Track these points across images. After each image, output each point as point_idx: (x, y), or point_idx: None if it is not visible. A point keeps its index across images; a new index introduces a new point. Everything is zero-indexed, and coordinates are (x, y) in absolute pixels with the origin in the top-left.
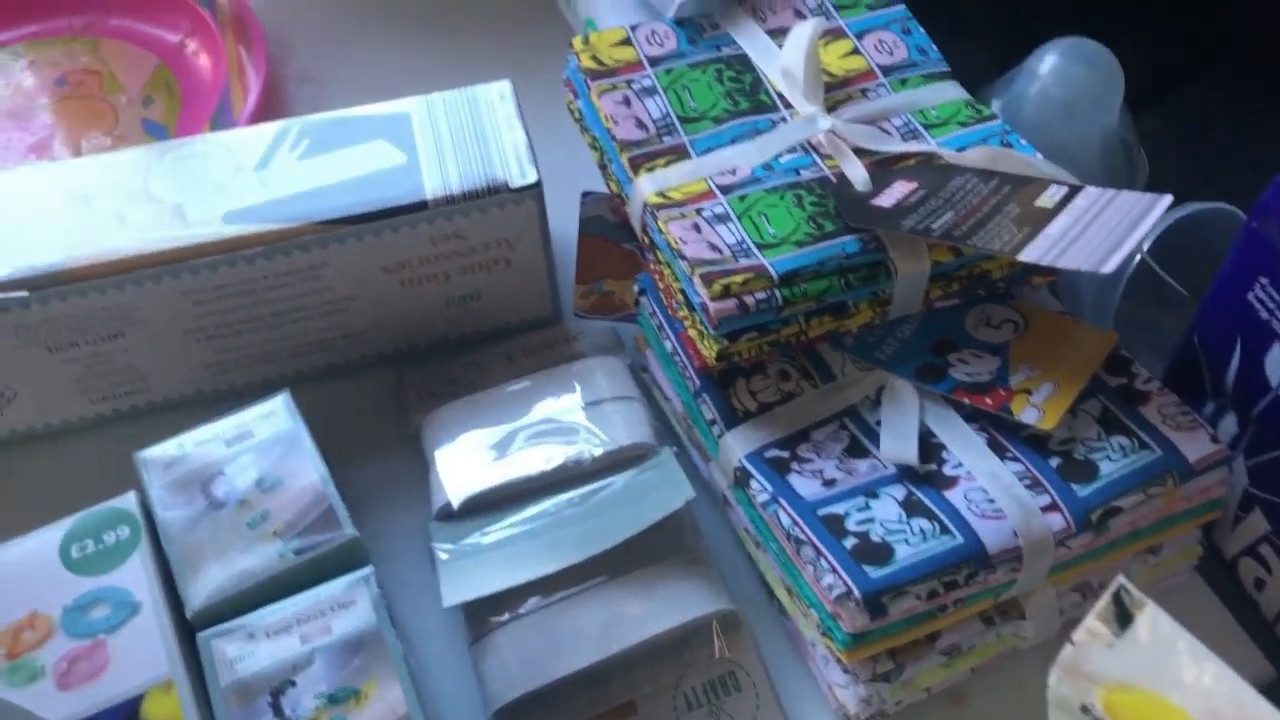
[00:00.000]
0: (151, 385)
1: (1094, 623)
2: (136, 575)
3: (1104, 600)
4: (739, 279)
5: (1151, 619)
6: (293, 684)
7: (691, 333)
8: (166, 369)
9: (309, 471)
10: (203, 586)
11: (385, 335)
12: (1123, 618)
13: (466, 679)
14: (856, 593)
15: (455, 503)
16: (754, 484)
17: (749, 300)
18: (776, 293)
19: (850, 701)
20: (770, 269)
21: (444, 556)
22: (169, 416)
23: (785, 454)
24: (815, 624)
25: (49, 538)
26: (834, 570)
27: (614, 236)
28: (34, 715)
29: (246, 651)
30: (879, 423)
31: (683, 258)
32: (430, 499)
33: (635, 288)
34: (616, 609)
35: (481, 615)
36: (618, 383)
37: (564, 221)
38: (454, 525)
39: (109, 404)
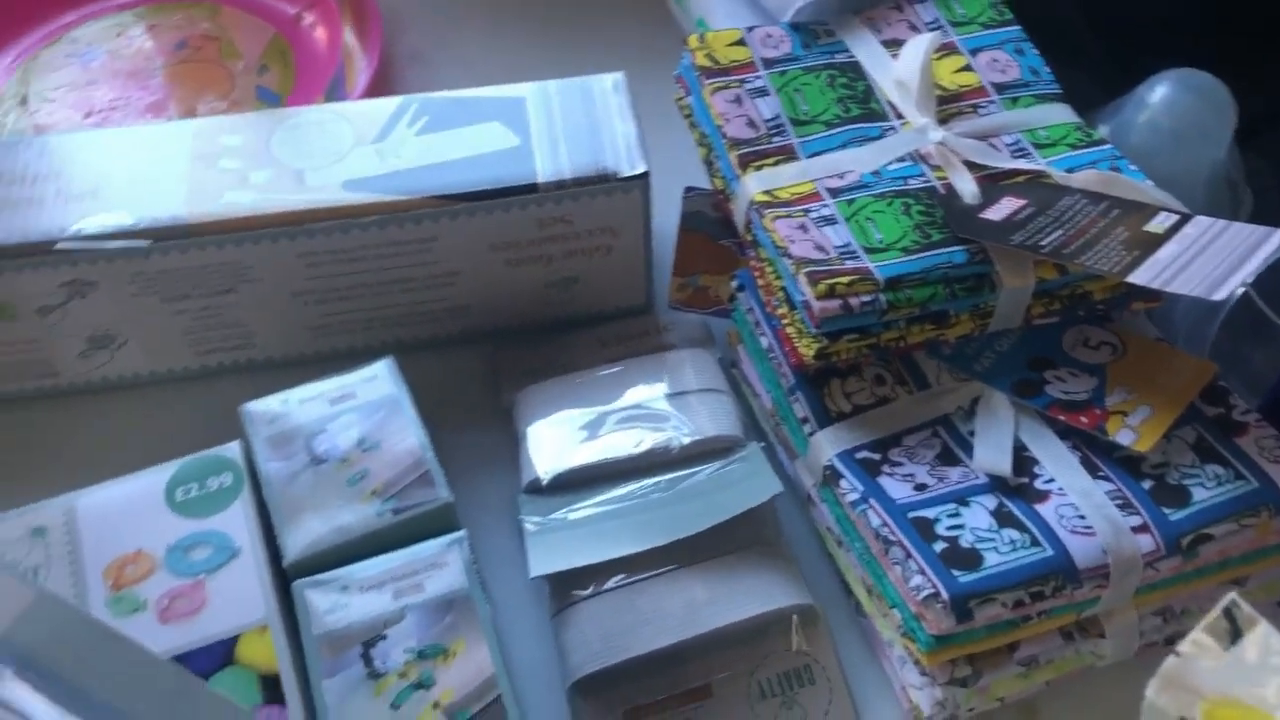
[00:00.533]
0: (255, 343)
1: (1202, 636)
2: (237, 521)
3: (1214, 614)
4: (845, 280)
5: (1262, 636)
6: (383, 638)
7: (790, 330)
8: (272, 328)
9: (409, 436)
10: (300, 537)
11: (485, 312)
12: (1233, 633)
13: (545, 650)
14: (945, 596)
15: (545, 478)
16: (844, 483)
17: (853, 302)
18: (881, 296)
19: (924, 703)
20: (876, 273)
21: (532, 528)
22: (268, 375)
23: (877, 456)
24: (896, 624)
25: (155, 479)
26: (923, 572)
27: (713, 232)
28: (137, 643)
29: (339, 604)
30: (971, 433)
31: (788, 256)
32: (519, 473)
33: (733, 283)
34: (698, 593)
35: (565, 588)
36: (708, 375)
37: (663, 215)
38: (541, 500)
39: (213, 357)
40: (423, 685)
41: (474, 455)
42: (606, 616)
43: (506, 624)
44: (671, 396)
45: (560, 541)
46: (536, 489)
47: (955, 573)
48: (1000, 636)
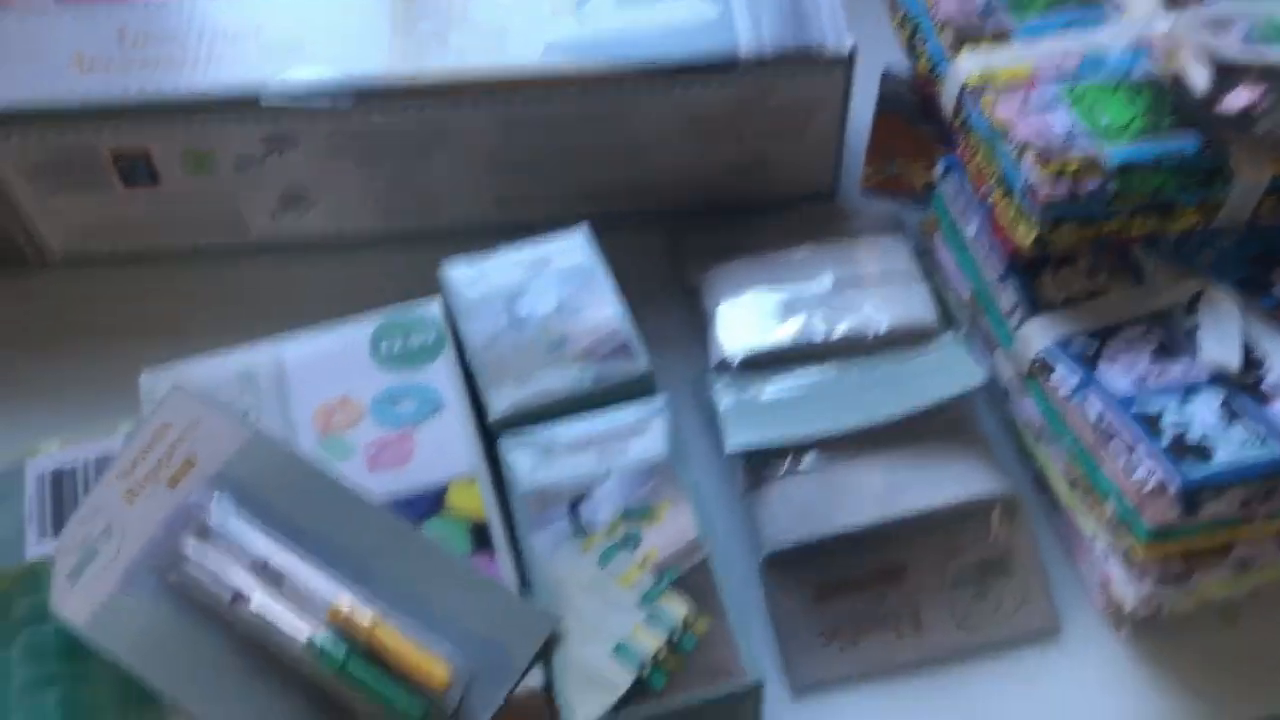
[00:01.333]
0: (443, 210)
1: None
2: (441, 376)
3: None
4: (1073, 164)
5: None
6: (589, 496)
7: (1004, 217)
8: (460, 196)
9: (606, 305)
10: (504, 396)
11: (670, 189)
12: None
13: (735, 526)
14: (1175, 485)
15: (736, 357)
16: (1058, 374)
17: (1080, 188)
18: (1109, 184)
19: (1129, 598)
20: (1106, 158)
21: (727, 403)
22: (450, 243)
23: (1092, 348)
24: (1105, 518)
25: (359, 332)
26: (1152, 464)
27: (911, 117)
28: (351, 486)
29: (544, 461)
30: (1192, 330)
31: (1010, 138)
32: (707, 352)
33: (937, 168)
34: (899, 475)
35: (758, 466)
36: (903, 261)
37: (855, 99)
38: (733, 379)
39: (397, 223)
40: (629, 543)
41: (656, 333)
42: (802, 494)
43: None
44: (866, 281)
45: (757, 417)
46: (726, 368)
47: (1184, 465)
48: (1221, 534)
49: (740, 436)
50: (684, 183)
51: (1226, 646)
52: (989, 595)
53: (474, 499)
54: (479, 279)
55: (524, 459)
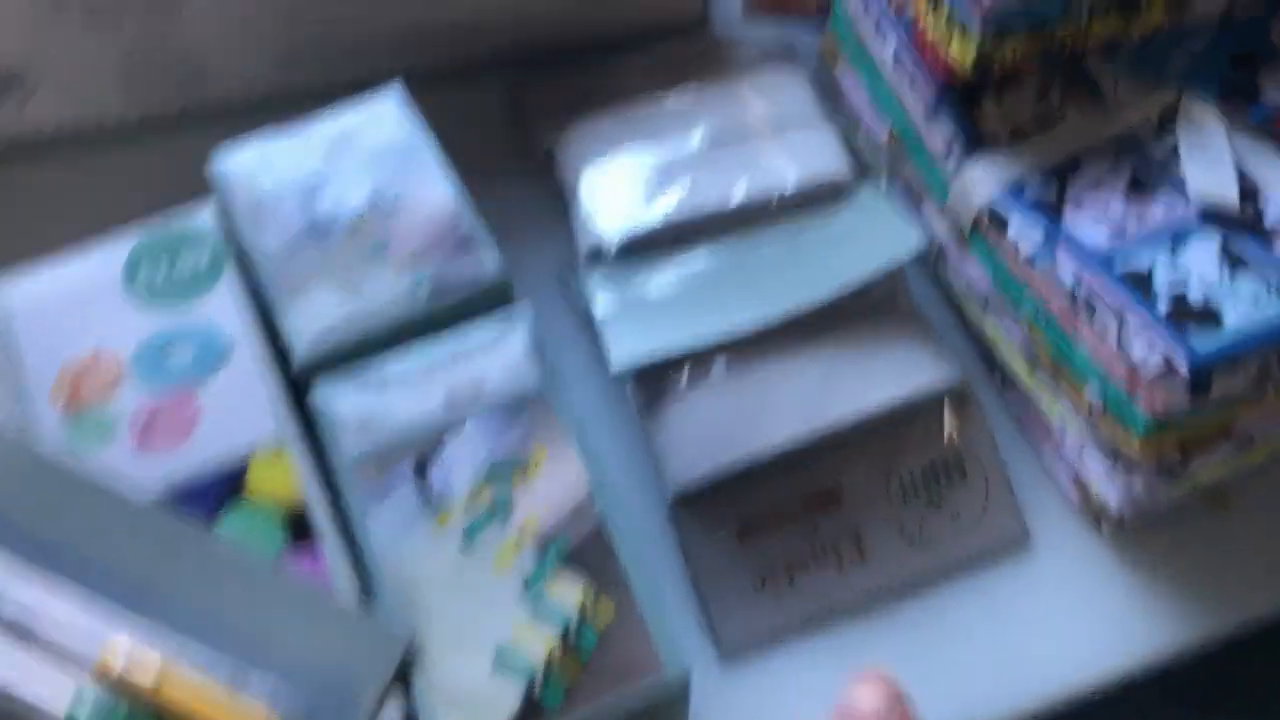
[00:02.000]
0: (209, 79)
1: None
2: (224, 309)
3: None
4: None
5: None
6: (439, 452)
7: (932, 32)
8: (230, 57)
9: (436, 189)
10: (309, 326)
11: (498, 28)
12: None
13: (634, 460)
14: (1184, 366)
15: (611, 243)
16: (1014, 228)
17: None
18: None
19: (1112, 497)
20: None
21: (604, 309)
22: (226, 123)
23: (1052, 192)
24: (1085, 404)
25: (108, 259)
26: (1150, 338)
27: None
28: (110, 487)
29: (375, 411)
30: (1167, 158)
31: None
32: (574, 238)
33: None
34: (824, 377)
35: (653, 381)
36: (802, 101)
37: None
38: (610, 272)
39: (155, 100)
40: (499, 512)
41: (504, 220)
42: (712, 413)
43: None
44: (759, 130)
45: (645, 321)
46: (601, 258)
47: (1191, 337)
48: (1227, 414)
49: (626, 350)
50: (522, 20)
51: (1219, 535)
52: (943, 504)
53: (284, 476)
54: (263, 170)
55: (347, 412)
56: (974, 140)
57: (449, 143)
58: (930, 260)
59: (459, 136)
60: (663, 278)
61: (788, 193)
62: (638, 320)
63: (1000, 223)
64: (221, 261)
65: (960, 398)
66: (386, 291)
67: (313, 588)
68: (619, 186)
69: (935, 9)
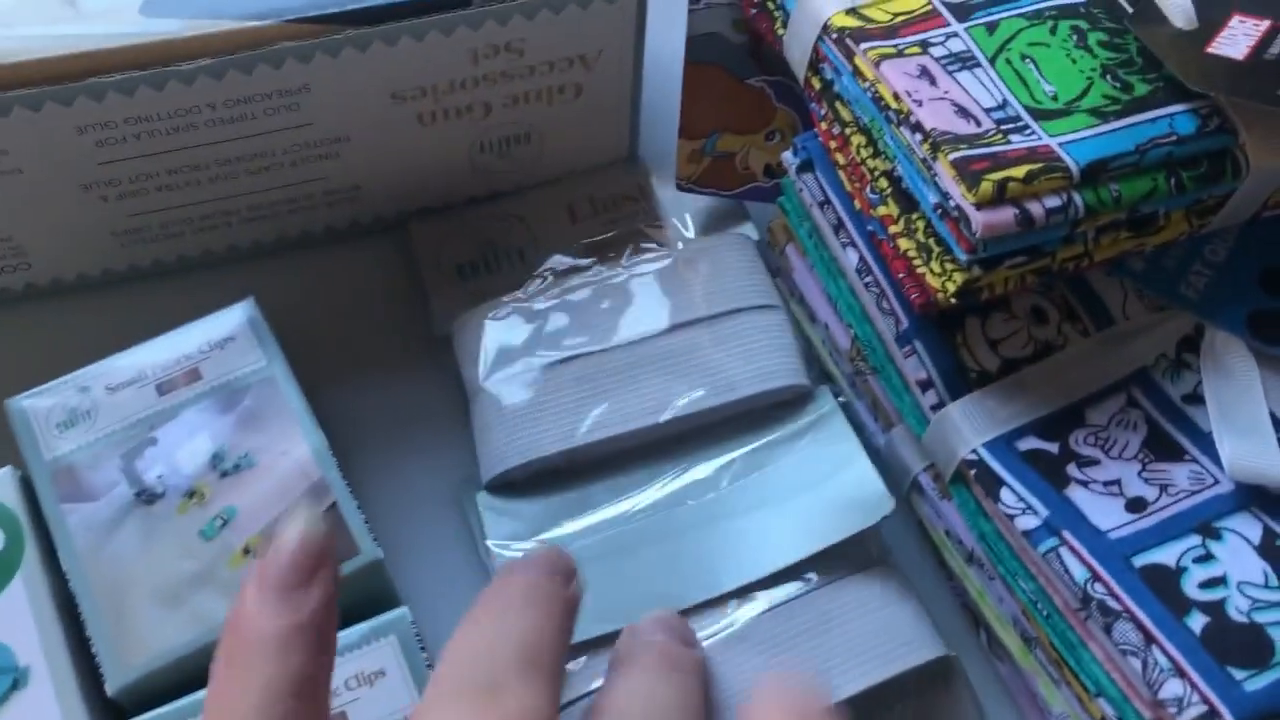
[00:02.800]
0: (30, 260)
1: None
2: (19, 616)
3: None
4: (1020, 172)
5: None
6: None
7: (906, 247)
8: (54, 239)
9: (296, 441)
10: (132, 645)
11: (389, 193)
12: None
13: None
14: (1230, 715)
15: (517, 472)
16: (1010, 498)
17: (1036, 209)
18: (1076, 197)
19: None
20: (1065, 157)
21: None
22: (57, 307)
23: (1053, 448)
24: (1090, 711)
25: None
26: (1182, 673)
27: (737, 68)
28: None
29: None
30: (1186, 397)
31: (917, 128)
32: (476, 455)
33: (790, 156)
34: (788, 650)
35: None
36: (752, 283)
37: (659, 38)
38: (517, 506)
39: None
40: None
41: (390, 415)
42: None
43: None
44: (698, 321)
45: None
46: (503, 486)
47: (1235, 673)
48: None
49: None
50: (413, 180)
51: None
52: None
53: None
54: (75, 418)
55: None
56: (955, 375)
57: (326, 321)
58: (903, 492)
59: (341, 309)
60: (580, 528)
61: (735, 401)
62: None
63: (991, 481)
64: (19, 547)
65: (944, 672)
66: (225, 585)
67: None
68: (524, 395)
69: (910, 224)
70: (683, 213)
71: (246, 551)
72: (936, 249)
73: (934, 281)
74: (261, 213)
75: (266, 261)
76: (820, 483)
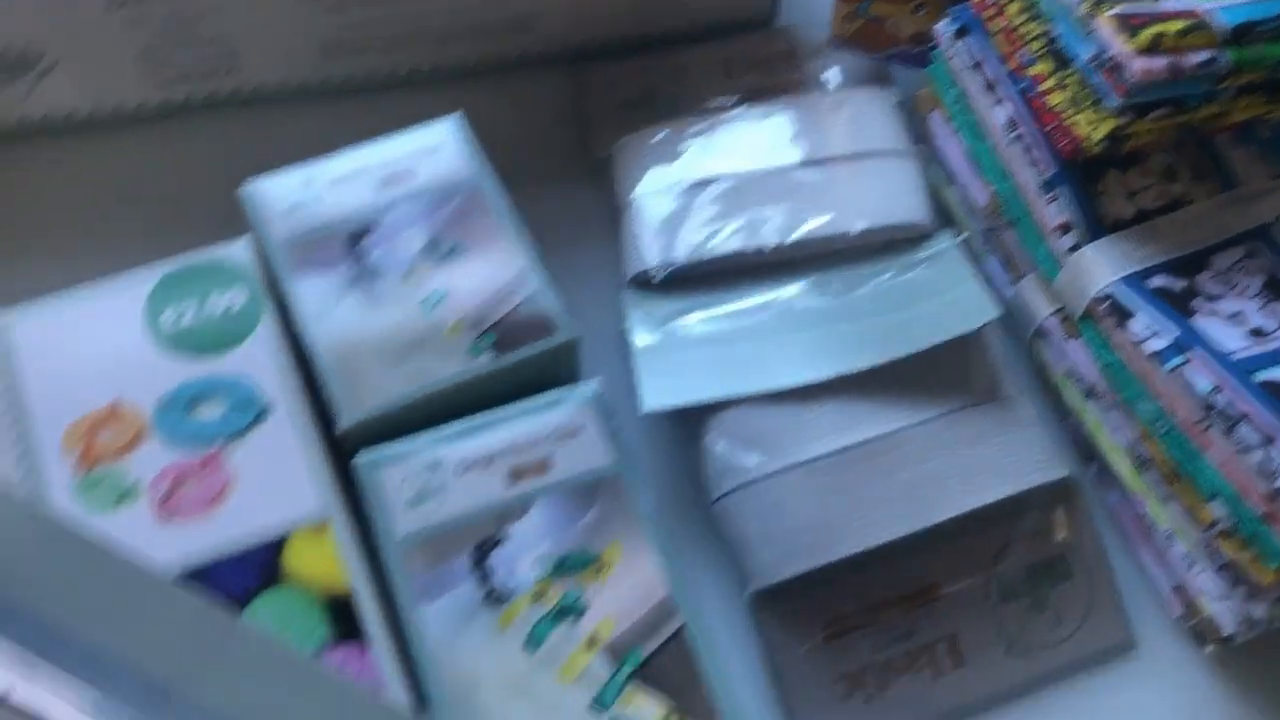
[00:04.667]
0: (244, 64)
1: None
2: (261, 361)
3: None
4: (1174, 27)
5: None
6: (501, 541)
7: (1056, 99)
8: (267, 43)
9: (502, 237)
10: (357, 388)
11: (559, 22)
12: None
13: (699, 540)
14: None
15: (659, 271)
16: (1139, 324)
17: (1184, 62)
18: (1224, 55)
19: (1226, 620)
20: (1217, 18)
21: (642, 343)
22: (262, 113)
23: (1179, 284)
24: (1204, 520)
25: (128, 294)
26: None
27: None
28: (127, 559)
29: (428, 489)
30: None
31: None
32: (622, 257)
33: (944, 25)
34: (922, 465)
35: (732, 463)
36: (888, 131)
37: None
38: (654, 300)
39: (180, 87)
40: (569, 612)
41: (556, 225)
42: (798, 501)
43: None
44: (838, 158)
45: (686, 363)
46: (645, 283)
47: None
48: None
49: (660, 391)
50: (580, 13)
51: None
52: (1047, 607)
53: (326, 557)
54: (303, 205)
55: (397, 488)
56: (1094, 220)
57: (504, 138)
58: (1026, 337)
59: (513, 134)
60: (710, 315)
61: (854, 233)
62: (678, 360)
63: (1121, 314)
64: (259, 305)
65: (1070, 493)
66: (443, 352)
67: (360, 691)
68: (670, 208)
69: (1063, 79)
70: (828, 74)
71: (461, 324)
72: (1087, 101)
73: (1083, 130)
74: (449, 34)
75: (446, 86)
76: (934, 296)
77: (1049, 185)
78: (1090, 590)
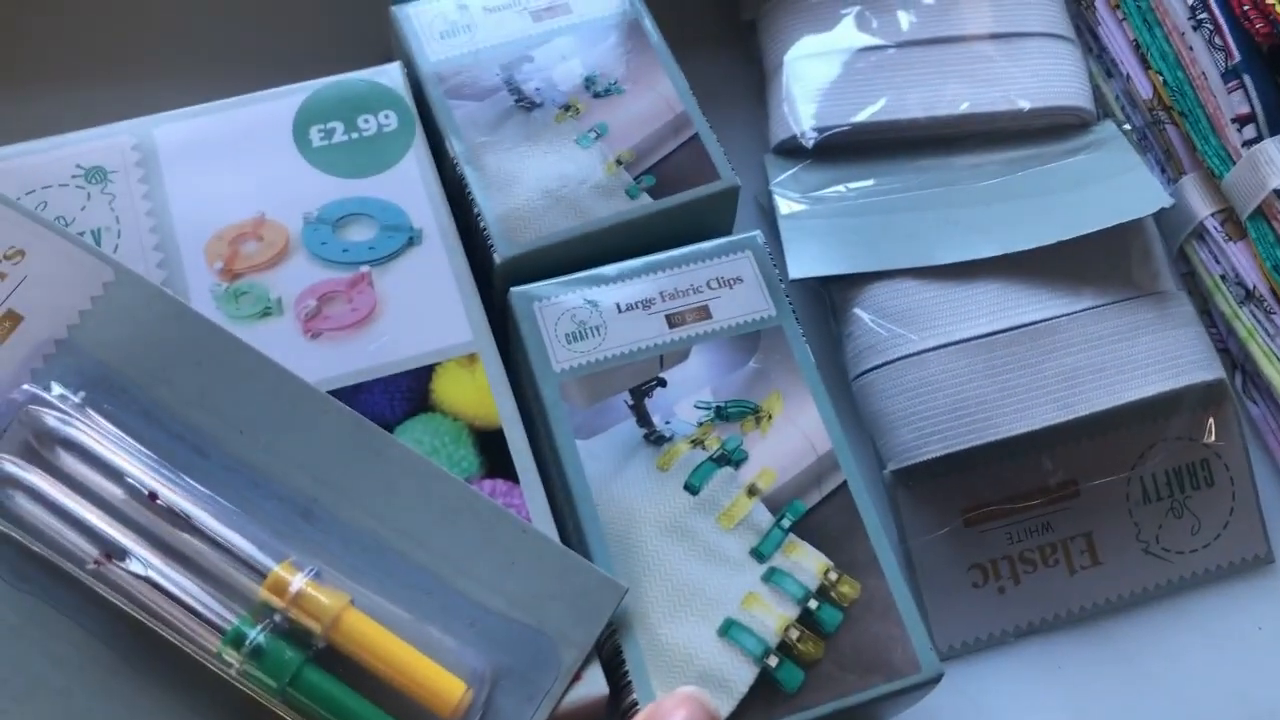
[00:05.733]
0: None
1: None
2: (411, 186)
3: None
4: None
5: None
6: (660, 383)
7: None
8: None
9: (661, 78)
10: (513, 218)
11: None
12: None
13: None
14: None
15: (809, 138)
16: None
17: None
18: None
19: None
20: None
21: (788, 209)
22: None
23: None
24: None
25: (277, 108)
26: None
27: None
28: (272, 360)
29: (585, 326)
30: None
31: None
32: (769, 122)
33: None
34: (1078, 355)
35: (877, 336)
36: (1052, 14)
37: None
38: (801, 169)
39: None
40: (729, 459)
41: (706, 90)
42: (946, 381)
43: None
44: (997, 34)
45: (833, 234)
46: (793, 150)
47: None
48: None
49: (806, 260)
50: None
51: None
52: (1185, 512)
53: (477, 388)
54: (457, 30)
55: (556, 323)
56: (1278, 112)
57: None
58: (1178, 240)
59: None
60: (861, 186)
61: (1019, 112)
62: (826, 229)
63: None
64: (411, 129)
65: (1221, 398)
66: (600, 188)
67: (513, 520)
68: (823, 74)
69: None
70: None
71: (619, 163)
72: None
73: None
74: None
75: None
76: (1102, 180)
77: (1232, 73)
78: (1232, 499)
